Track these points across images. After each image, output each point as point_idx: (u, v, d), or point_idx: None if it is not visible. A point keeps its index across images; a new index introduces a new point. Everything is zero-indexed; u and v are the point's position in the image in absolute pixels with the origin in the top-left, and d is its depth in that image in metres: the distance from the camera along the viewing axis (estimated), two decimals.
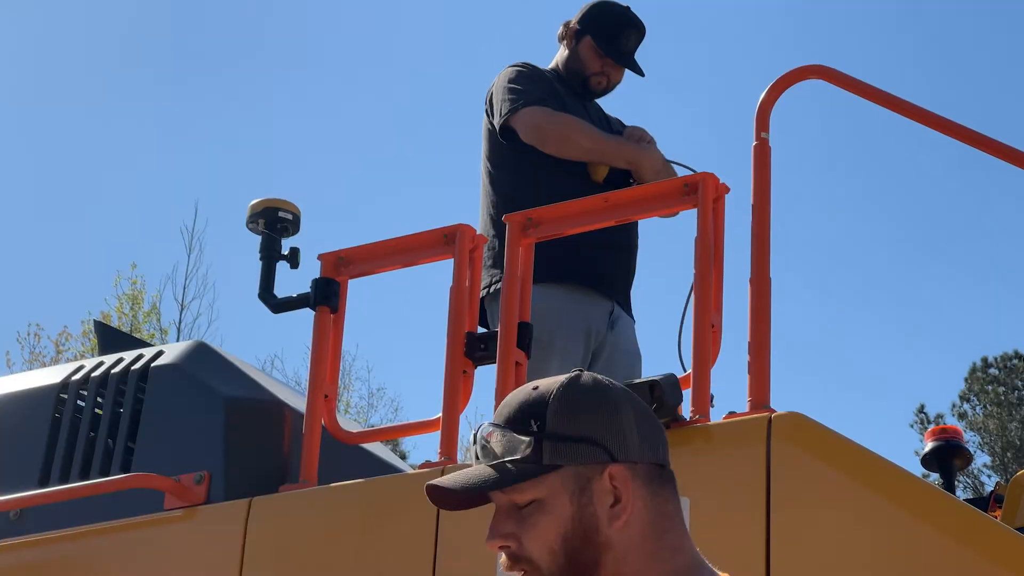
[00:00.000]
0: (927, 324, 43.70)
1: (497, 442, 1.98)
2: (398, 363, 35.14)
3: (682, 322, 4.06)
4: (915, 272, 44.43)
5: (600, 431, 1.98)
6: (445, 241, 4.18)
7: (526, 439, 1.96)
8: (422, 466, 3.97)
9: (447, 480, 2.01)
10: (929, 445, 4.67)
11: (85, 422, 4.53)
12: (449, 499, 2.03)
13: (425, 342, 34.94)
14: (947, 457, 4.66)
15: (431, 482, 2.04)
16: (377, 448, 4.77)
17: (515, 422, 1.99)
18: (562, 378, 2.02)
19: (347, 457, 4.39)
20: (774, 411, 3.48)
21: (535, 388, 2.01)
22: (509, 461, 1.96)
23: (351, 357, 24.68)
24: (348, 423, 4.56)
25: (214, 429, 4.23)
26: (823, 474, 3.34)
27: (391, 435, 4.77)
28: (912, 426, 32.29)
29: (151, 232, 32.54)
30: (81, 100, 32.85)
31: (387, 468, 4.63)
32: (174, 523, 4.13)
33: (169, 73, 33.86)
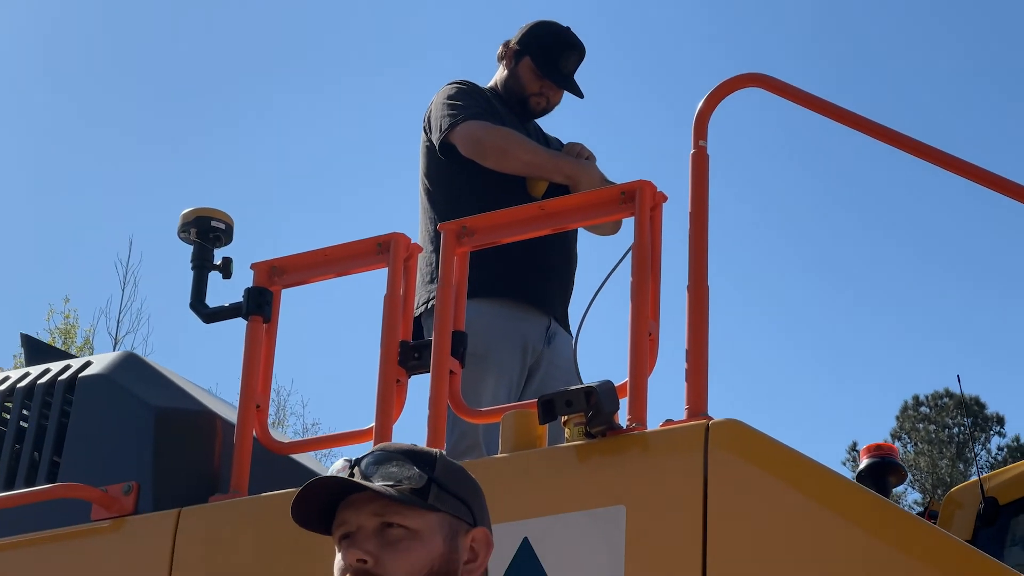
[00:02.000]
0: (860, 361, 44.00)
1: (395, 464, 2.18)
2: (333, 398, 35.03)
3: (582, 321, 3.99)
4: (848, 311, 44.75)
5: (471, 498, 2.24)
6: (379, 250, 4.13)
7: (422, 473, 2.18)
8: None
9: (338, 478, 2.18)
10: (865, 462, 4.68)
11: (10, 434, 4.45)
12: (316, 503, 2.21)
13: (361, 373, 34.86)
14: (882, 474, 4.67)
15: (328, 476, 2.19)
16: (308, 460, 4.71)
17: (412, 456, 2.21)
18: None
19: (278, 468, 4.32)
20: (711, 419, 3.45)
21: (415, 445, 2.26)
22: (403, 487, 2.15)
23: (286, 392, 24.56)
24: (279, 435, 4.50)
25: (143, 439, 4.17)
26: (761, 481, 3.31)
27: (323, 445, 4.73)
28: (845, 463, 32.44)
29: (84, 266, 32.33)
30: (11, 132, 32.63)
31: None
32: (101, 534, 4.05)
33: (100, 107, 33.71)
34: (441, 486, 2.20)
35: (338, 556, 2.21)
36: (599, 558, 3.36)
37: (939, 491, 31.68)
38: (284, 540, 3.80)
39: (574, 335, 4.08)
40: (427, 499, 2.18)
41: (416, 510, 2.17)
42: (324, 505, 2.23)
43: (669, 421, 3.53)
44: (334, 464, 2.28)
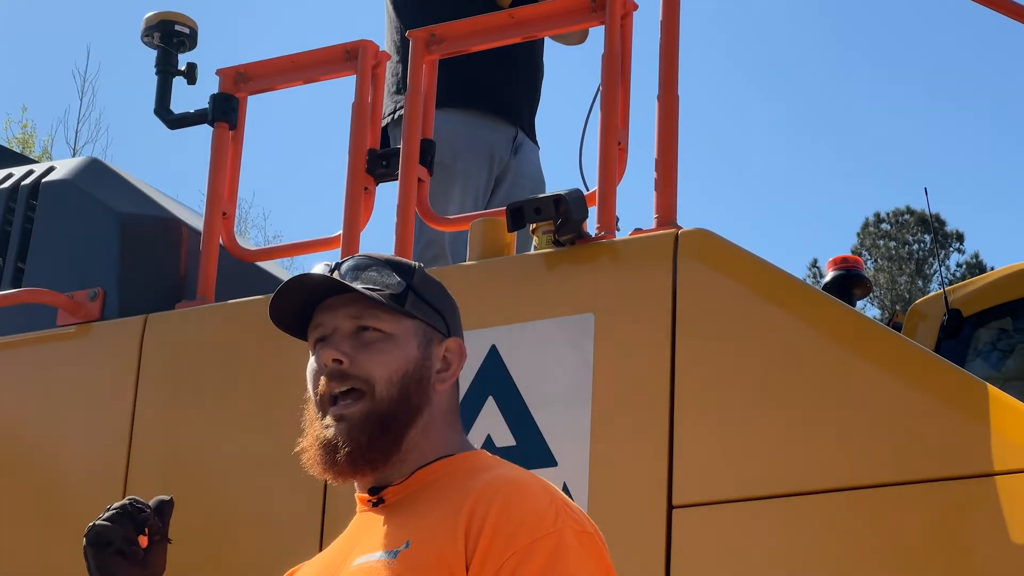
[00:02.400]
0: (820, 179, 44.05)
1: (375, 270, 2.19)
2: (295, 210, 34.91)
3: (583, 138, 3.98)
4: (809, 128, 44.68)
5: (447, 310, 2.27)
6: (347, 57, 4.08)
7: (401, 280, 2.20)
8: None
9: (320, 276, 2.18)
10: (830, 274, 4.69)
11: None
12: (293, 303, 2.22)
13: (322, 187, 34.71)
14: (848, 286, 4.67)
15: (308, 274, 2.19)
16: (274, 268, 4.70)
17: (392, 264, 2.23)
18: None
19: (244, 276, 4.30)
20: (681, 228, 3.45)
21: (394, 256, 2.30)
22: (382, 292, 2.17)
23: (247, 204, 24.44)
24: (245, 243, 4.48)
25: (108, 246, 4.14)
26: (730, 290, 3.32)
27: (290, 252, 4.71)
28: (805, 280, 32.64)
29: (41, 75, 31.91)
30: None
31: None
32: (67, 339, 4.04)
33: None
34: (418, 294, 2.21)
35: (312, 359, 2.21)
36: (567, 365, 3.37)
37: (897, 307, 31.96)
38: (250, 346, 3.80)
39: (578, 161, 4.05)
40: (404, 305, 2.19)
41: (393, 315, 2.18)
42: (300, 307, 2.23)
43: (638, 230, 3.53)
44: (314, 267, 2.27)
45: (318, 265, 2.24)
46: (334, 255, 3.90)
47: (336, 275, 2.20)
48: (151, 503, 2.28)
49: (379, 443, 2.15)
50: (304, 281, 2.20)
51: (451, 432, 2.23)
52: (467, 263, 3.69)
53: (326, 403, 2.18)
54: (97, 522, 2.22)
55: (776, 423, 3.19)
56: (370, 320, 2.18)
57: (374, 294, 2.17)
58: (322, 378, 2.18)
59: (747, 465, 3.17)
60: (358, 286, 2.17)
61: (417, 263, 2.28)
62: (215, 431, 3.76)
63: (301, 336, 2.26)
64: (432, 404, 2.20)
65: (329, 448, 2.15)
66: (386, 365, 2.16)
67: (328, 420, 2.16)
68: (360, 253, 2.30)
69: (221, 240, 4.11)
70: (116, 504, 2.24)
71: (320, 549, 3.48)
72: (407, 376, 2.17)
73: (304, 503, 3.56)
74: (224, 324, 3.88)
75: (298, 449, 2.21)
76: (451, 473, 2.17)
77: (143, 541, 2.25)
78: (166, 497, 2.28)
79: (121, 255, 4.12)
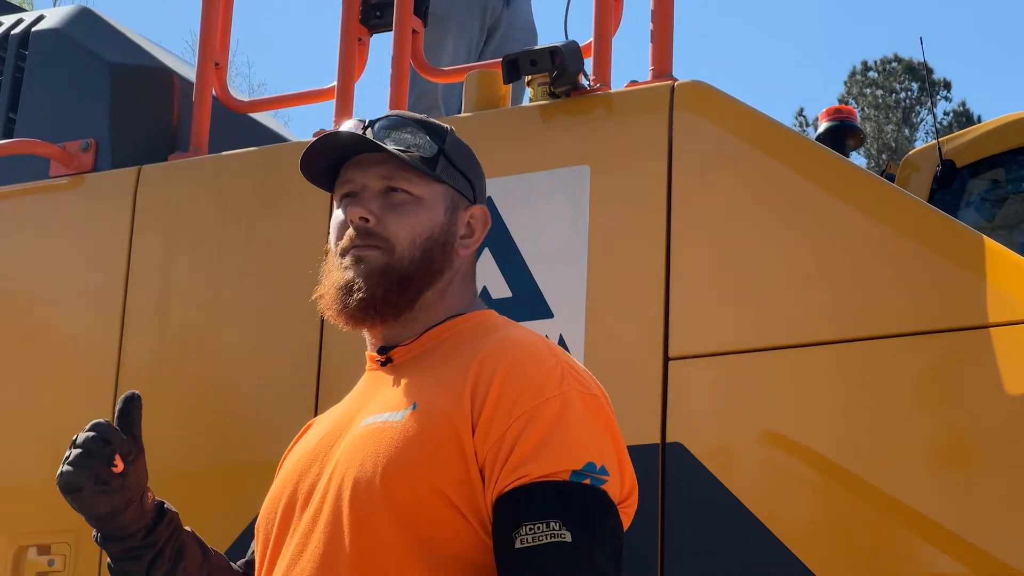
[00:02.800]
0: (808, 25, 43.75)
1: (408, 131, 2.19)
2: (279, 59, 34.67)
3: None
4: None
5: (475, 176, 2.28)
6: None
7: (433, 144, 2.21)
8: (316, 134, 3.89)
9: (354, 134, 2.18)
10: (824, 125, 4.68)
11: None
12: (323, 161, 2.22)
13: (306, 36, 34.43)
14: (841, 137, 4.67)
15: (342, 131, 2.18)
16: (267, 120, 4.67)
17: (425, 126, 2.23)
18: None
19: (237, 127, 4.28)
20: (677, 80, 3.43)
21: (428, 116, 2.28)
22: (413, 154, 2.17)
23: (231, 52, 24.28)
24: (237, 94, 4.44)
25: (100, 96, 4.10)
26: (725, 142, 3.31)
27: (283, 104, 4.68)
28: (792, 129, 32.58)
29: None
30: None
31: (279, 140, 4.54)
32: (60, 190, 4.02)
33: None
34: (449, 159, 2.22)
35: (338, 212, 2.21)
36: (563, 217, 3.38)
37: (884, 156, 31.93)
38: (245, 198, 3.79)
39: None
40: (435, 169, 2.20)
41: (423, 178, 2.19)
42: (330, 162, 2.22)
43: (634, 82, 3.51)
44: (345, 123, 2.26)
45: (351, 121, 2.23)
46: (328, 107, 3.88)
47: (369, 133, 2.18)
48: (117, 405, 2.23)
49: (394, 300, 2.16)
50: (337, 138, 2.19)
51: (465, 294, 2.26)
52: (462, 115, 3.67)
53: (347, 254, 2.18)
54: (63, 468, 2.18)
55: (771, 275, 3.20)
56: (400, 182, 2.19)
57: (406, 156, 2.16)
58: (347, 233, 2.18)
59: (742, 317, 3.19)
60: (390, 146, 2.17)
61: (449, 126, 2.27)
62: (210, 282, 3.76)
63: (328, 188, 2.26)
64: (453, 268, 2.23)
65: (345, 289, 2.17)
66: (411, 228, 2.17)
67: (347, 261, 2.17)
68: (395, 112, 2.28)
69: (214, 91, 4.08)
70: (80, 439, 2.19)
71: (316, 400, 3.53)
72: (431, 240, 2.19)
73: (300, 353, 3.58)
74: (218, 175, 3.86)
75: (315, 296, 2.21)
76: (459, 333, 2.18)
77: (118, 464, 2.20)
78: (131, 394, 2.23)
79: (113, 106, 4.09)
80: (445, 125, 2.26)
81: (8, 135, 4.25)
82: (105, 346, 3.80)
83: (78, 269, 3.92)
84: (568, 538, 1.95)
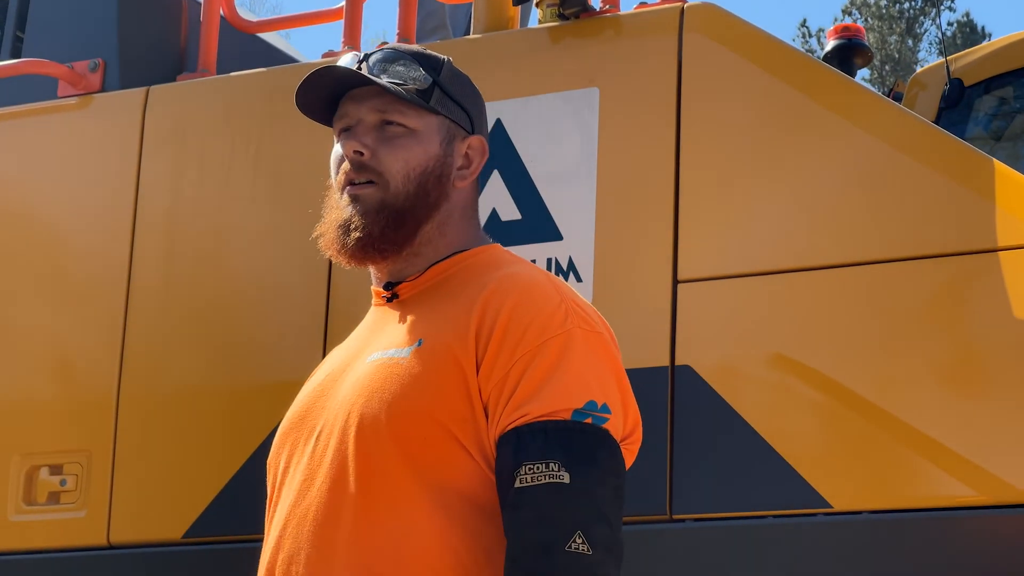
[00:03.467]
0: None
1: (403, 64, 2.19)
2: None
3: None
4: None
5: (472, 106, 2.26)
6: None
7: (427, 76, 2.20)
8: (325, 55, 3.89)
9: (346, 69, 2.19)
10: (831, 44, 4.65)
11: None
12: (320, 92, 2.22)
13: None
14: (849, 55, 4.65)
15: (336, 65, 2.19)
16: (275, 39, 4.66)
17: (420, 58, 2.22)
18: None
19: (245, 47, 4.27)
20: (686, 1, 3.43)
21: (426, 48, 2.28)
22: (408, 87, 2.17)
23: None
24: (245, 13, 4.43)
25: (107, 16, 4.09)
26: (735, 64, 3.32)
27: (291, 24, 4.67)
28: (794, 40, 32.41)
29: None
30: None
31: (288, 60, 4.53)
32: (69, 110, 4.02)
33: None
34: (444, 90, 2.22)
35: (336, 147, 2.22)
36: (572, 139, 3.38)
37: (887, 67, 31.80)
38: (254, 119, 3.79)
39: None
40: (429, 101, 2.19)
41: (417, 110, 2.19)
42: (327, 95, 2.23)
43: (643, 4, 3.51)
44: (342, 56, 2.26)
45: (347, 55, 2.23)
46: (337, 27, 3.88)
47: (364, 67, 2.18)
48: None
49: (392, 236, 2.16)
50: (329, 72, 2.19)
51: (468, 227, 2.25)
52: (471, 36, 3.66)
53: (344, 191, 2.19)
54: None
55: (780, 198, 3.22)
56: (394, 115, 2.18)
57: (400, 89, 2.17)
58: (343, 167, 2.19)
59: (751, 240, 3.20)
60: (384, 80, 2.17)
61: (446, 57, 2.26)
62: (219, 203, 3.76)
63: (326, 123, 2.27)
64: (451, 201, 2.21)
65: (343, 228, 2.17)
66: (405, 161, 2.17)
67: (344, 200, 2.18)
68: (390, 45, 2.28)
69: (222, 10, 4.08)
70: None
71: (326, 320, 3.55)
72: (426, 172, 2.18)
73: (309, 274, 3.59)
74: (227, 96, 3.86)
75: (316, 234, 2.22)
76: (465, 269, 2.19)
77: None
78: None
79: (120, 26, 4.07)
80: (442, 56, 2.26)
81: (16, 55, 4.24)
82: (114, 266, 3.81)
83: (87, 190, 3.93)
84: (566, 479, 1.97)
